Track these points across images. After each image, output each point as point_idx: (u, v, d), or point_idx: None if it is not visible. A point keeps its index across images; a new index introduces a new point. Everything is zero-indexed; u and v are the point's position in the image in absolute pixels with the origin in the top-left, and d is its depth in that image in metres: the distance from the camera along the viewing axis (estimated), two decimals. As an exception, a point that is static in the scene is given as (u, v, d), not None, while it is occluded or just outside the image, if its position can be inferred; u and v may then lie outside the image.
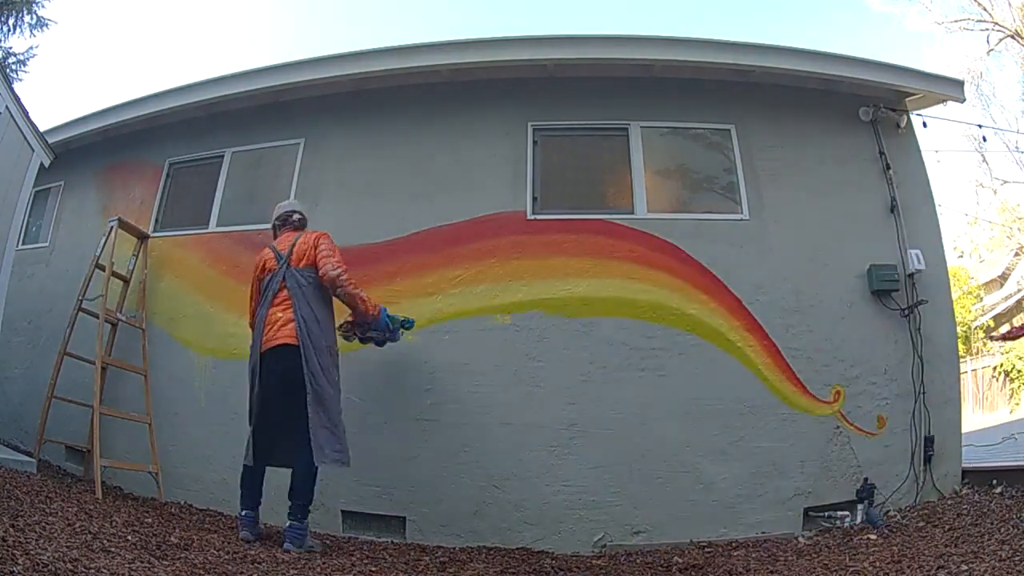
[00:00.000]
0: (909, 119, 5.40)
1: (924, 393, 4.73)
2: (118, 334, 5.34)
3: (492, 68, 5.25)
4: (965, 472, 4.76)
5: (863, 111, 5.28)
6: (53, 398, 4.79)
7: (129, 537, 3.21)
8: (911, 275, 4.91)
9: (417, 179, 5.20)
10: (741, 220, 5.00)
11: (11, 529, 2.61)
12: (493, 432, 4.58)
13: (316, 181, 5.36)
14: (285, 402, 3.71)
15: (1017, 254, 19.37)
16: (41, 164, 5.25)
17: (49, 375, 4.91)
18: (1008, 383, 14.19)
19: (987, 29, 14.96)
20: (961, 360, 9.86)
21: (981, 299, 20.15)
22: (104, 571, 2.46)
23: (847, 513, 4.43)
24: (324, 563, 3.48)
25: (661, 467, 4.48)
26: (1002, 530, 3.57)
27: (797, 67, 5.13)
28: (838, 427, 4.62)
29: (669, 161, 5.35)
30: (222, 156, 5.76)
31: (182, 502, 4.71)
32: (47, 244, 6.29)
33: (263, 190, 5.71)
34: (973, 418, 13.79)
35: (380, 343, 4.29)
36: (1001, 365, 14.62)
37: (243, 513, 3.85)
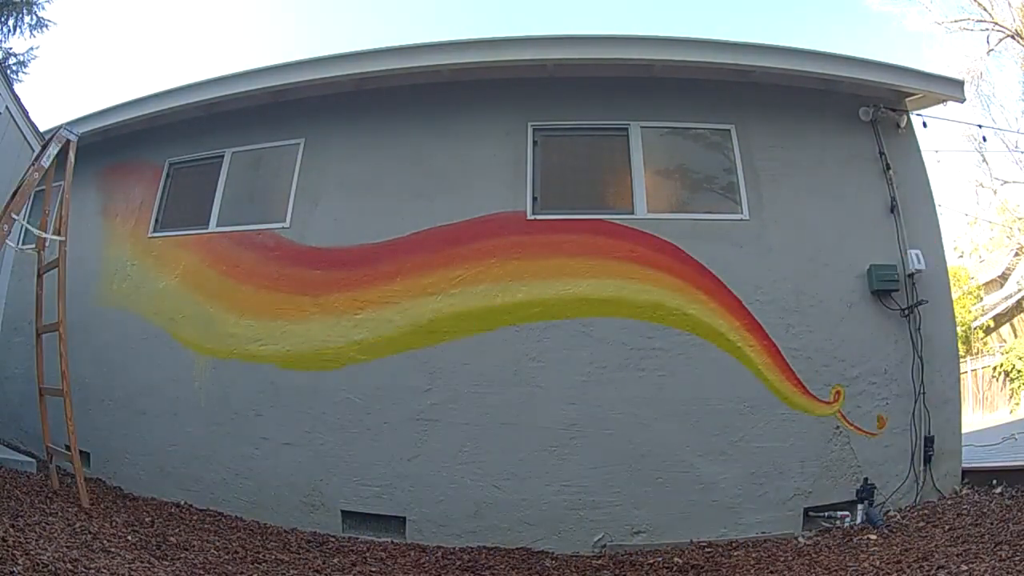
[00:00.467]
0: (909, 119, 5.40)
1: (924, 393, 4.73)
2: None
3: (492, 68, 5.26)
4: (965, 472, 4.76)
5: (863, 111, 5.28)
6: (41, 389, 4.72)
7: (129, 537, 3.21)
8: (911, 275, 4.91)
9: (417, 179, 5.20)
10: (741, 220, 5.00)
11: (11, 529, 2.62)
12: (493, 432, 4.58)
13: (316, 181, 5.36)
14: None
15: (1017, 254, 19.34)
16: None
17: (50, 375, 4.89)
18: (1008, 383, 14.17)
19: (987, 29, 14.96)
20: (961, 360, 9.86)
21: (981, 299, 20.13)
22: (104, 571, 2.46)
23: (847, 513, 4.43)
24: (324, 563, 3.49)
25: (661, 467, 4.48)
26: (1002, 530, 3.57)
27: (797, 67, 5.13)
28: (838, 427, 4.62)
29: (669, 161, 5.36)
30: (222, 156, 5.76)
31: (182, 502, 4.71)
32: (48, 244, 6.26)
33: (263, 190, 5.72)
34: (973, 418, 13.78)
35: None
36: (1001, 365, 14.61)
37: None
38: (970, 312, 18.61)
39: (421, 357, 4.75)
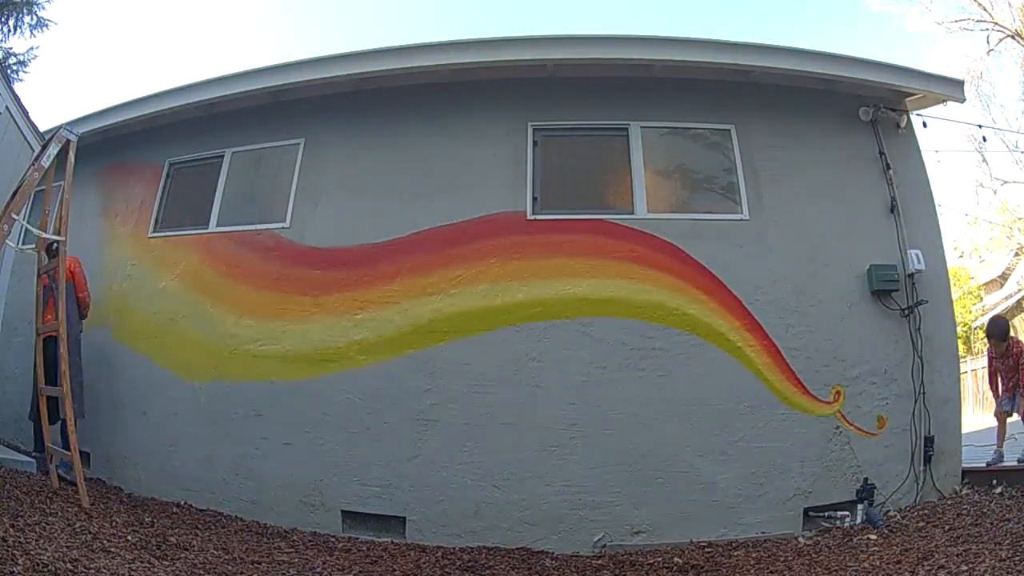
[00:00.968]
0: (909, 119, 5.40)
1: (924, 393, 4.73)
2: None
3: (492, 68, 5.26)
4: (965, 472, 4.76)
5: (863, 111, 5.28)
6: (41, 389, 4.71)
7: (129, 537, 3.21)
8: (911, 275, 4.91)
9: (417, 179, 5.20)
10: (741, 220, 5.00)
11: (11, 529, 2.62)
12: (493, 432, 4.58)
13: (316, 181, 5.36)
14: None
15: (1017, 254, 19.35)
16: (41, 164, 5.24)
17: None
18: (1008, 383, 14.18)
19: (987, 29, 14.96)
20: (961, 360, 9.84)
21: (981, 299, 20.14)
22: (104, 571, 2.46)
23: (847, 513, 4.43)
24: (324, 563, 3.49)
25: (661, 467, 4.48)
26: (1002, 530, 3.57)
27: (797, 67, 5.13)
28: (838, 427, 4.62)
29: (669, 161, 5.36)
30: (222, 156, 5.76)
31: (182, 502, 4.71)
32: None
33: (263, 190, 5.72)
34: (973, 418, 13.77)
35: None
36: (1001, 365, 14.62)
37: None
38: (970, 312, 18.62)
39: (421, 357, 4.75)
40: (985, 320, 17.93)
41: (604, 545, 4.33)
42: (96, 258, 5.86)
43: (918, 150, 5.43)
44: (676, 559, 3.92)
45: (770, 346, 4.69)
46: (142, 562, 2.77)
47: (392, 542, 4.32)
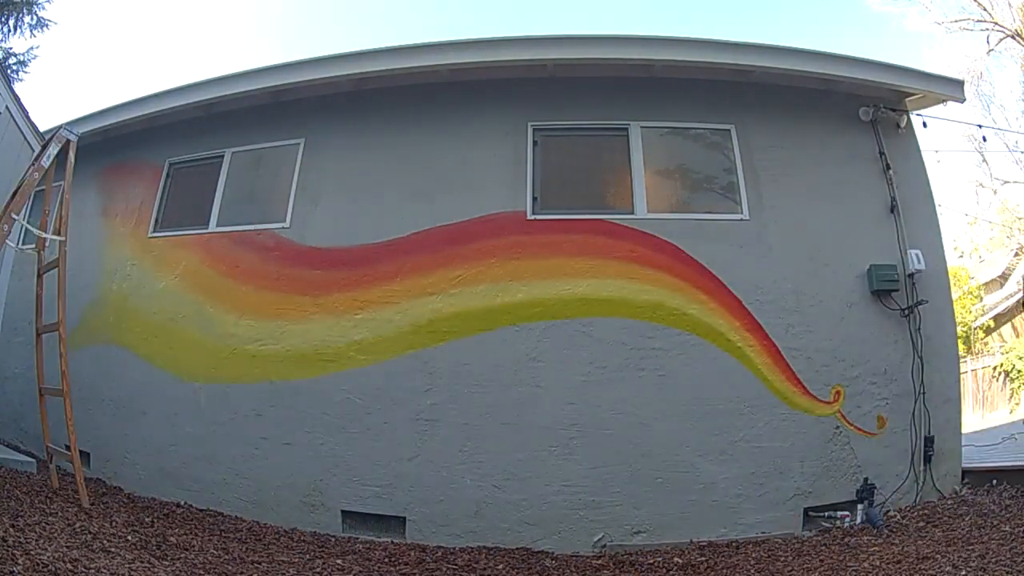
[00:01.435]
0: (909, 119, 5.40)
1: (924, 393, 4.73)
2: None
3: (492, 68, 5.26)
4: (965, 472, 4.76)
5: (863, 111, 5.28)
6: (41, 389, 4.73)
7: (129, 537, 3.21)
8: (911, 275, 4.91)
9: (417, 179, 5.20)
10: (741, 220, 5.00)
11: (11, 529, 2.62)
12: (493, 432, 4.58)
13: (316, 181, 5.36)
14: None
15: (1017, 254, 19.32)
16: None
17: (50, 374, 4.90)
18: (1008, 383, 14.15)
19: (987, 29, 14.94)
20: (961, 360, 9.85)
21: (981, 299, 20.11)
22: (104, 571, 2.46)
23: (847, 513, 4.43)
24: (324, 563, 3.49)
25: (661, 467, 4.48)
26: (1002, 530, 3.57)
27: (797, 67, 5.12)
28: (838, 427, 4.62)
29: (669, 161, 5.36)
30: (222, 156, 5.76)
31: (182, 502, 4.71)
32: (48, 244, 6.26)
33: (263, 190, 5.72)
34: (973, 418, 13.77)
35: None
36: (1001, 365, 14.59)
37: None
38: (970, 312, 18.60)
39: (421, 357, 4.75)
40: (985, 320, 17.96)
41: (604, 545, 4.33)
42: (96, 258, 5.87)
43: (918, 150, 5.43)
44: (676, 559, 3.92)
45: (770, 346, 4.69)
46: (142, 562, 2.77)
47: (392, 542, 4.32)
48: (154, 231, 5.75)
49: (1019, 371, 13.82)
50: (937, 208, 5.45)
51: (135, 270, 5.65)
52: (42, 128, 5.60)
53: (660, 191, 5.21)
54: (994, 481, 4.50)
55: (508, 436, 4.56)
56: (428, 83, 5.36)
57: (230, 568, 3.12)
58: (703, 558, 3.92)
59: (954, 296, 7.83)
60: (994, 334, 17.88)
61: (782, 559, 3.80)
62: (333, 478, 4.66)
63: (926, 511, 4.31)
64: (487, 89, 5.35)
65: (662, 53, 5.09)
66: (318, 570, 3.40)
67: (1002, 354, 15.04)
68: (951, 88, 5.37)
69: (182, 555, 3.15)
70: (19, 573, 2.15)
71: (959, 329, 12.01)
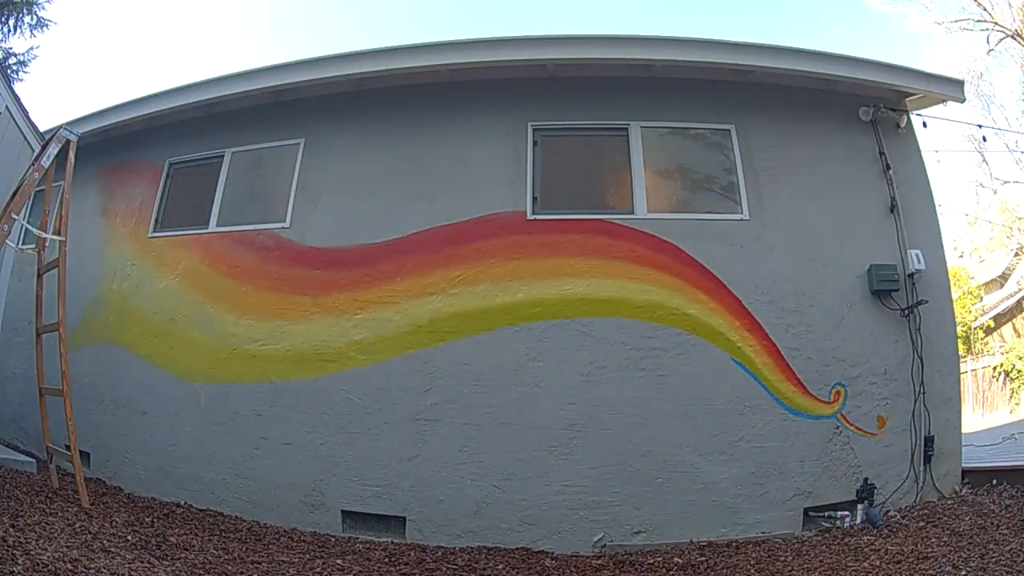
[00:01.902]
0: (909, 119, 5.40)
1: (924, 393, 4.73)
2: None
3: (492, 68, 5.26)
4: (965, 472, 4.76)
5: (863, 111, 5.28)
6: (41, 389, 4.73)
7: (129, 537, 3.21)
8: (911, 275, 4.91)
9: (417, 179, 5.20)
10: (741, 220, 5.00)
11: (11, 529, 2.62)
12: (493, 432, 4.58)
13: (316, 181, 5.36)
14: None
15: (1017, 254, 19.33)
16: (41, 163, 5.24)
17: (50, 375, 4.90)
18: (1008, 383, 14.15)
19: (987, 29, 14.94)
20: (961, 360, 9.85)
21: (981, 299, 20.12)
22: (104, 571, 2.46)
23: (847, 513, 4.43)
24: (324, 563, 3.49)
25: (661, 467, 4.48)
26: (1002, 530, 3.57)
27: (797, 67, 5.12)
28: (838, 427, 4.62)
29: (669, 161, 5.35)
30: (222, 156, 5.76)
31: (182, 502, 4.71)
32: (48, 244, 6.27)
33: (263, 190, 5.72)
34: (973, 418, 13.77)
35: None
36: (1001, 365, 14.60)
37: None
38: (970, 312, 18.61)
39: (421, 357, 4.75)
40: (985, 320, 17.97)
41: (604, 545, 4.33)
42: (96, 258, 5.87)
43: (918, 150, 5.43)
44: (676, 559, 3.92)
45: (770, 346, 4.69)
46: (142, 562, 2.77)
47: (392, 542, 4.32)
48: (154, 231, 5.75)
49: (1019, 371, 13.82)
50: (937, 208, 5.45)
51: (135, 270, 5.66)
52: (42, 128, 5.60)
53: (660, 191, 5.21)
54: (994, 481, 4.50)
55: (508, 436, 4.56)
56: (428, 83, 5.36)
57: (230, 568, 3.12)
58: (703, 558, 3.92)
59: (954, 296, 7.82)
60: (994, 334, 17.88)
61: (782, 559, 3.80)
62: (333, 478, 4.66)
63: (926, 511, 4.31)
64: (487, 89, 5.35)
65: (662, 53, 5.09)
66: (318, 570, 3.40)
67: (1002, 354, 15.04)
68: (951, 88, 5.37)
69: (182, 555, 3.15)
70: (19, 573, 2.15)
71: (959, 329, 12.00)
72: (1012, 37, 14.43)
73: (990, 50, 15.28)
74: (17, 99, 5.14)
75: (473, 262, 4.88)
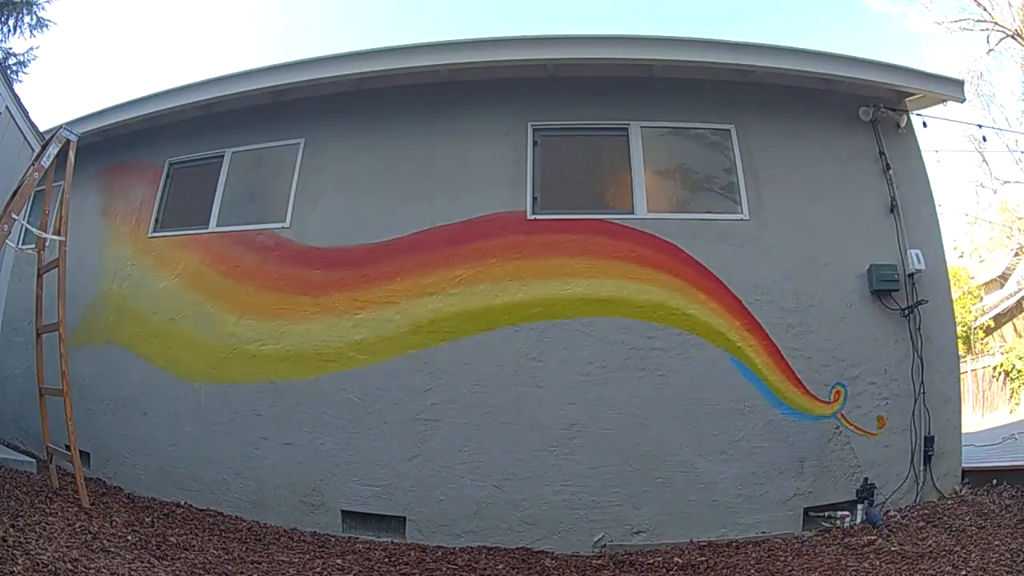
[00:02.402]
0: (909, 119, 5.40)
1: (924, 393, 4.73)
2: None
3: (492, 68, 5.26)
4: (965, 472, 4.76)
5: (863, 111, 5.28)
6: (41, 389, 4.73)
7: (129, 537, 3.21)
8: (911, 275, 4.91)
9: (417, 179, 5.20)
10: (741, 220, 5.00)
11: (11, 529, 2.62)
12: (493, 432, 4.58)
13: (316, 181, 5.36)
14: None
15: (1017, 254, 19.33)
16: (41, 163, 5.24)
17: (50, 375, 4.90)
18: (1008, 383, 14.16)
19: (987, 29, 14.93)
20: (961, 360, 9.85)
21: (981, 299, 20.12)
22: (104, 571, 2.46)
23: (847, 513, 4.43)
24: (324, 563, 3.49)
25: (661, 467, 4.48)
26: (1002, 530, 3.57)
27: (797, 67, 5.12)
28: (838, 427, 4.62)
29: (669, 161, 5.35)
30: (222, 156, 5.76)
31: (182, 502, 4.71)
32: (48, 244, 6.27)
33: (263, 190, 5.72)
34: (973, 418, 13.77)
35: None
36: (1001, 365, 14.60)
37: None
38: (970, 312, 18.62)
39: (421, 357, 4.75)
40: (985, 320, 17.97)
41: (604, 545, 4.33)
42: (96, 258, 5.87)
43: (918, 150, 5.43)
44: (676, 559, 3.92)
45: (770, 346, 4.69)
46: (142, 562, 2.77)
47: (392, 542, 4.32)
48: (154, 231, 5.75)
49: (1019, 371, 13.82)
50: (937, 208, 5.45)
51: (135, 270, 5.66)
52: (42, 128, 5.60)
53: (660, 191, 5.21)
54: (994, 481, 4.50)
55: (508, 436, 4.56)
56: (428, 83, 5.36)
57: (230, 568, 3.12)
58: (703, 558, 3.92)
59: (954, 296, 7.82)
60: (994, 334, 17.88)
61: (782, 559, 3.80)
62: (333, 478, 4.66)
63: (926, 511, 4.31)
64: (487, 89, 5.35)
65: (662, 53, 5.09)
66: (318, 570, 3.40)
67: (1002, 354, 15.05)
68: (951, 88, 5.37)
69: (182, 555, 3.15)
70: (19, 573, 2.15)
71: (959, 329, 12.01)
72: (1012, 37, 14.43)
73: (990, 50, 15.28)
74: (17, 99, 5.14)
75: (473, 262, 4.88)
